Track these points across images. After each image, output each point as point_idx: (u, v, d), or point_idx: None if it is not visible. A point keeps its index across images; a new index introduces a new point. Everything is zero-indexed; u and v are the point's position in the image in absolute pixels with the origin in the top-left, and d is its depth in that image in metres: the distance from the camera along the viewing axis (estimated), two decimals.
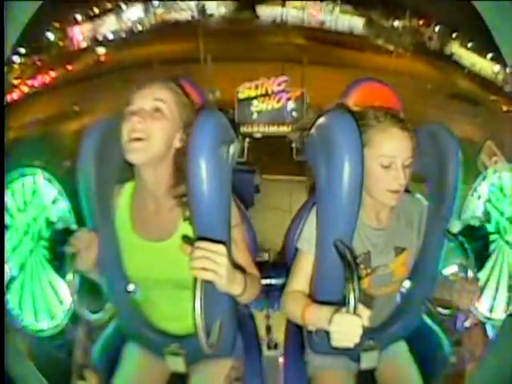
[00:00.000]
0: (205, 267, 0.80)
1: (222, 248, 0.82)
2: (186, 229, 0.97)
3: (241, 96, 3.17)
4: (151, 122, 0.93)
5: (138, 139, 0.92)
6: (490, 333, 1.39)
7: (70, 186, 1.30)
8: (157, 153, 0.94)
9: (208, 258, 0.80)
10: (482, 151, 1.89)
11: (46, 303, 1.24)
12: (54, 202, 1.28)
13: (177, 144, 0.98)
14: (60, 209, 1.30)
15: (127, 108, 0.96)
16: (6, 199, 1.11)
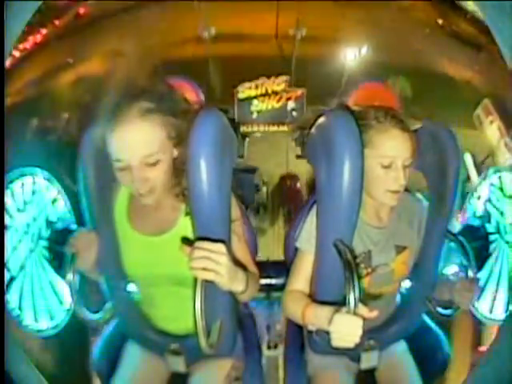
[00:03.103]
0: (205, 267, 0.79)
1: (221, 247, 0.81)
2: (186, 222, 0.96)
3: (240, 96, 3.16)
4: (148, 171, 0.90)
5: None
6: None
7: (70, 185, 1.30)
8: (162, 186, 0.94)
9: (208, 258, 0.79)
10: (479, 107, 1.87)
11: (46, 303, 1.24)
12: (53, 202, 1.28)
13: (174, 154, 0.96)
14: (60, 209, 1.30)
15: (114, 162, 0.90)
16: (5, 199, 1.11)
